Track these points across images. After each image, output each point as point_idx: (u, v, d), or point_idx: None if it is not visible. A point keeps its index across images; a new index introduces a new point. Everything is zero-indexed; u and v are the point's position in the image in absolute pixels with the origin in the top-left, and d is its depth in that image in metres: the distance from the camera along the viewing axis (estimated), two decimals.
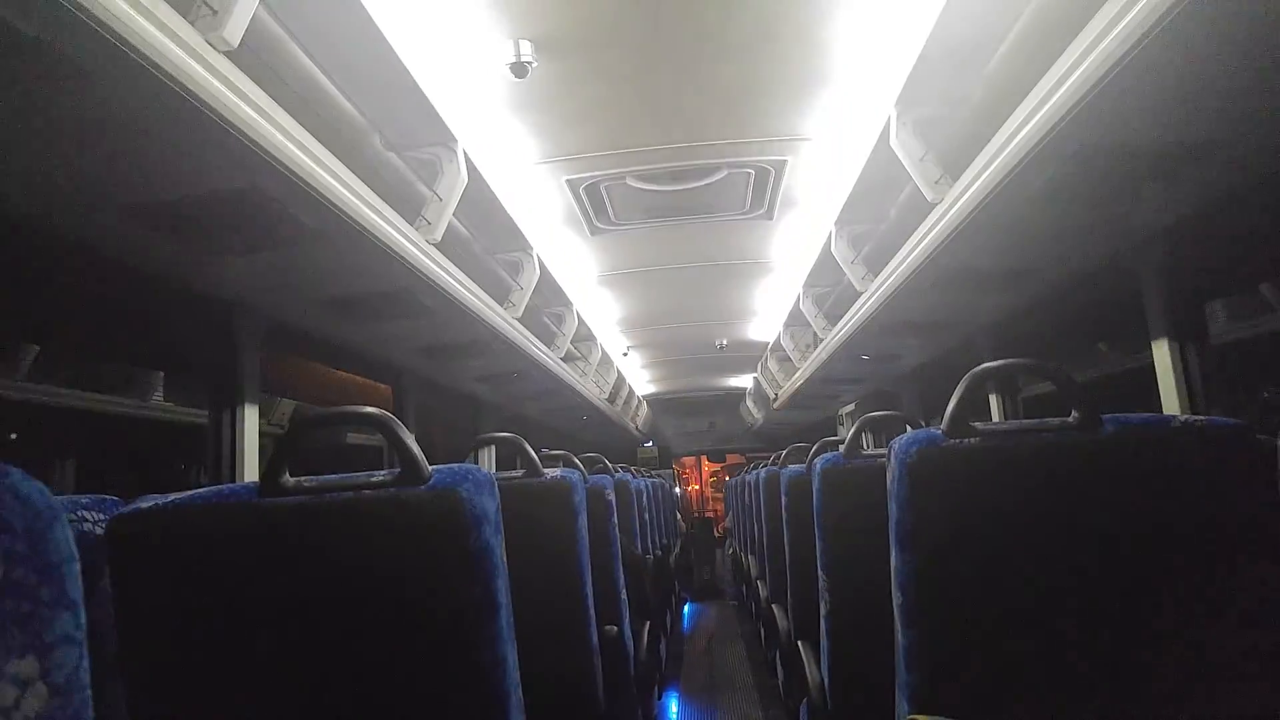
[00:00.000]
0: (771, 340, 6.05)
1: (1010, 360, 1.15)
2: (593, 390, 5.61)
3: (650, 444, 10.56)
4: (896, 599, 1.08)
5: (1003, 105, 1.68)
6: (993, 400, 3.42)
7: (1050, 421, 1.07)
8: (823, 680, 1.89)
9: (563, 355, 4.36)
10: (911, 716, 0.70)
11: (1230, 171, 1.72)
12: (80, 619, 0.36)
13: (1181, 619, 1.00)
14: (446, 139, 2.34)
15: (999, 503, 1.04)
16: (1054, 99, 1.46)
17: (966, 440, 1.05)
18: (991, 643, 1.04)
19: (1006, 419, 3.21)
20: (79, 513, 0.93)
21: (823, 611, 1.82)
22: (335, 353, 2.88)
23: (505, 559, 0.99)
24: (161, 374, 2.73)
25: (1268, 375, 2.38)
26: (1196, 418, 1.04)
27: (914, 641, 1.05)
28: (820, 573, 1.82)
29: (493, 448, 4.01)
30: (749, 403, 8.90)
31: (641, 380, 8.16)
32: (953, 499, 1.04)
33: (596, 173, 2.83)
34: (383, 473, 0.98)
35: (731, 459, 11.48)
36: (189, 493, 0.98)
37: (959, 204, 1.96)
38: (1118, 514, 1.03)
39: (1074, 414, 1.07)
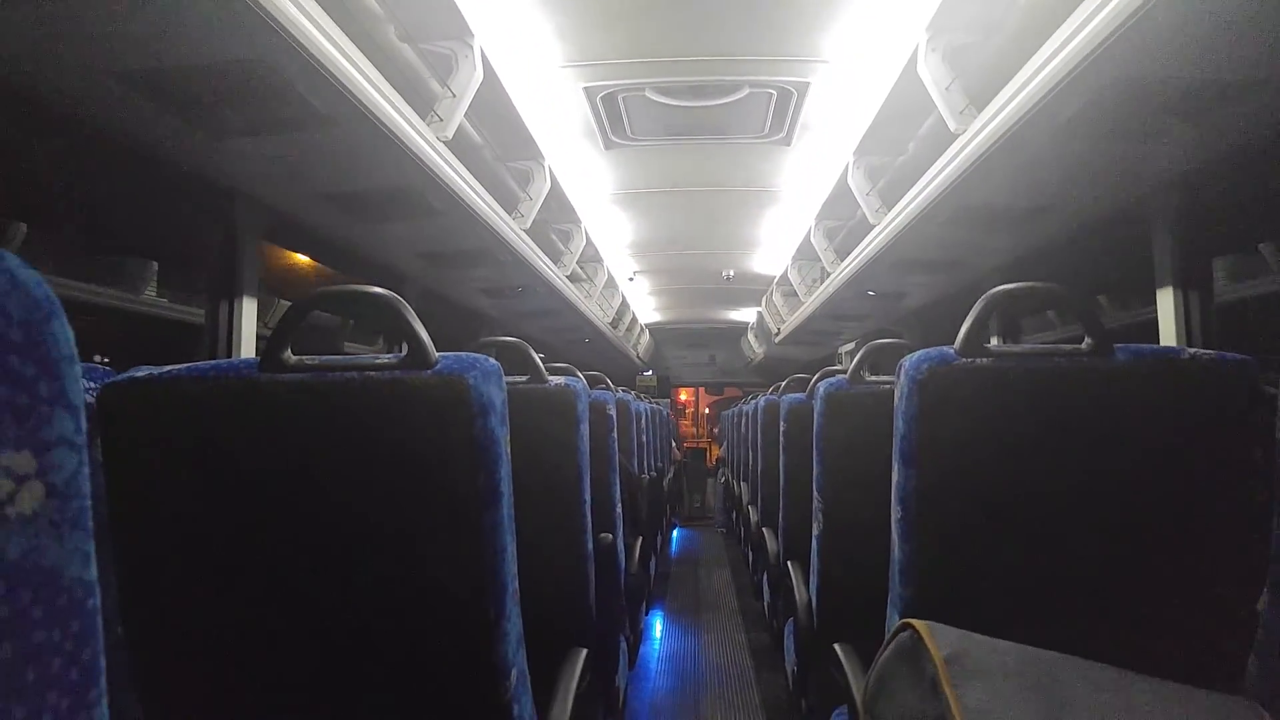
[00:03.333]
0: (779, 274, 6.01)
1: (1029, 283, 1.13)
2: (596, 313, 5.58)
3: (650, 373, 10.62)
4: (896, 514, 1.08)
5: (1036, 33, 1.62)
6: (995, 342, 3.42)
7: (1062, 346, 1.07)
8: (810, 600, 1.93)
9: (568, 274, 4.32)
10: (906, 620, 0.71)
11: (1261, 118, 1.67)
12: (81, 424, 0.34)
13: (1175, 543, 1.02)
14: (464, 33, 2.26)
15: (1006, 423, 1.04)
16: (1089, 28, 1.41)
17: (978, 360, 1.05)
18: (987, 559, 1.05)
19: None
20: None
21: (815, 532, 1.85)
22: (337, 253, 2.84)
23: (509, 451, 0.97)
24: (155, 264, 2.61)
25: (1263, 337, 2.36)
26: (1206, 351, 1.04)
27: (910, 555, 1.06)
28: (816, 495, 1.84)
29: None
30: (750, 337, 8.91)
31: (646, 308, 8.14)
32: (960, 417, 1.04)
33: (616, 82, 2.75)
34: (388, 356, 0.95)
35: (730, 392, 11.54)
36: (186, 365, 0.94)
37: (982, 135, 1.92)
38: (1122, 439, 1.03)
39: (1087, 341, 1.06)
